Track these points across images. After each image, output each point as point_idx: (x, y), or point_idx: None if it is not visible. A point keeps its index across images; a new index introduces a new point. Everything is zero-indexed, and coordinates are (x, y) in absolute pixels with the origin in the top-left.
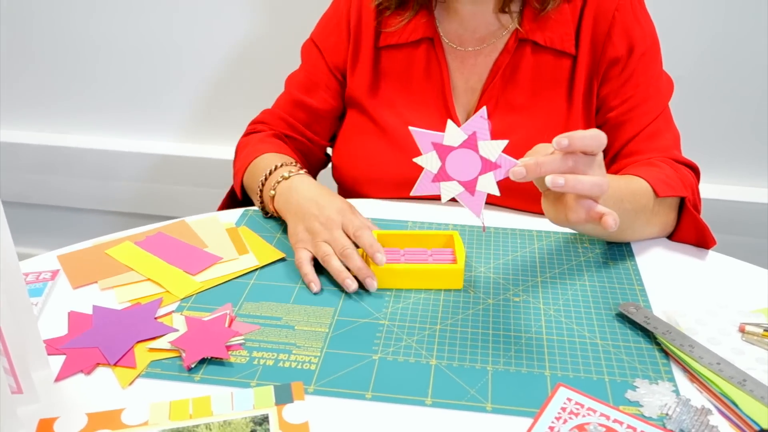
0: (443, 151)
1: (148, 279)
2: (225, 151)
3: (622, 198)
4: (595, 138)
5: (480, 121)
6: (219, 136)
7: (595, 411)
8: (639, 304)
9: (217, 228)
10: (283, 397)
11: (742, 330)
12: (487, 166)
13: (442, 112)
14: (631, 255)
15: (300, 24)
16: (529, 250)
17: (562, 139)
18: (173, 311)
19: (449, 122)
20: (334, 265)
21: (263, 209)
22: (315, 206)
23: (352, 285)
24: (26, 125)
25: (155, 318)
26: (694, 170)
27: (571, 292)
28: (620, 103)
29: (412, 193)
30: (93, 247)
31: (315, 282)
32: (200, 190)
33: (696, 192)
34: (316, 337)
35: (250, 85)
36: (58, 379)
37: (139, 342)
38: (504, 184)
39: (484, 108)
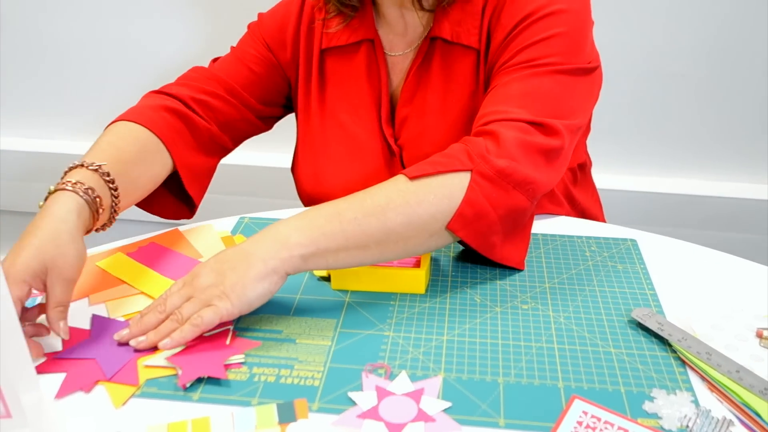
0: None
1: (142, 292)
2: None
3: (339, 213)
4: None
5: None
6: None
7: (612, 424)
8: (651, 310)
9: (211, 237)
10: (287, 415)
11: (759, 335)
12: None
13: (374, 117)
14: (640, 258)
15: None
16: (535, 255)
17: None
18: None
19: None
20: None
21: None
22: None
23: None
24: (11, 131)
25: None
26: (538, 125)
27: (581, 298)
28: (494, 70)
29: (333, 423)
30: None
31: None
32: None
33: (491, 160)
34: (319, 351)
35: None
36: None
37: (138, 356)
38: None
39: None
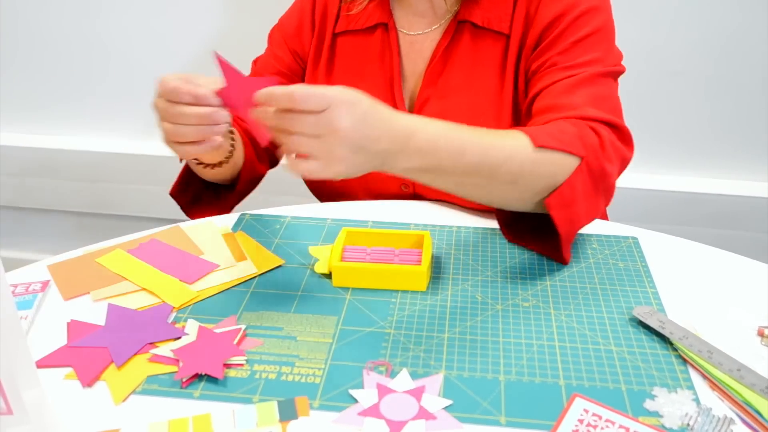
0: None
1: (143, 289)
2: None
3: (464, 150)
4: (285, 95)
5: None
6: None
7: (614, 423)
8: (653, 308)
9: (213, 233)
10: (288, 413)
11: (761, 334)
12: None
13: (388, 98)
14: (642, 256)
15: (269, 20)
16: (536, 253)
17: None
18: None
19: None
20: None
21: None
22: None
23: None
24: (12, 127)
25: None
26: (619, 130)
27: (582, 296)
28: (541, 63)
29: (334, 421)
30: (84, 255)
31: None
32: None
33: (601, 157)
34: (320, 348)
35: None
36: (84, 386)
37: (149, 344)
38: None
39: None
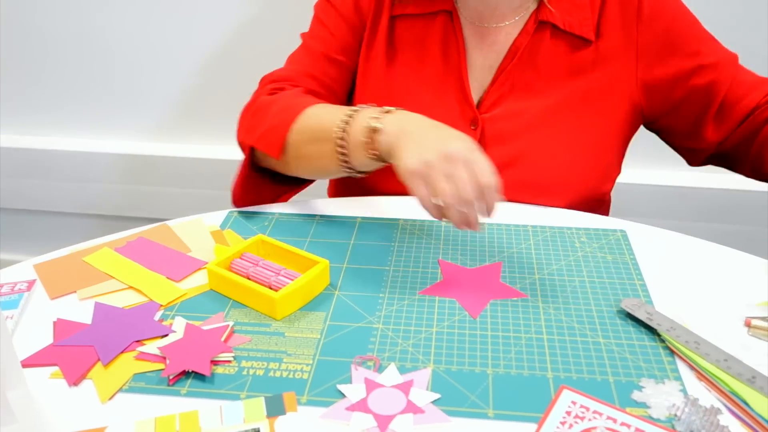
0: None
1: (130, 287)
2: (207, 150)
3: None
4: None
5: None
6: (199, 135)
7: (601, 414)
8: (641, 300)
9: (201, 231)
10: (275, 409)
11: (747, 324)
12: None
13: (456, 89)
14: (630, 248)
15: (278, 20)
16: (525, 246)
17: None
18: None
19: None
20: (453, 216)
21: (344, 163)
22: (439, 133)
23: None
24: (10, 129)
25: (155, 319)
26: None
27: (570, 289)
28: (693, 69)
29: (321, 416)
30: (71, 254)
31: (472, 222)
32: (184, 191)
33: None
34: (308, 344)
35: (231, 81)
36: (71, 385)
37: (135, 342)
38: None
39: None
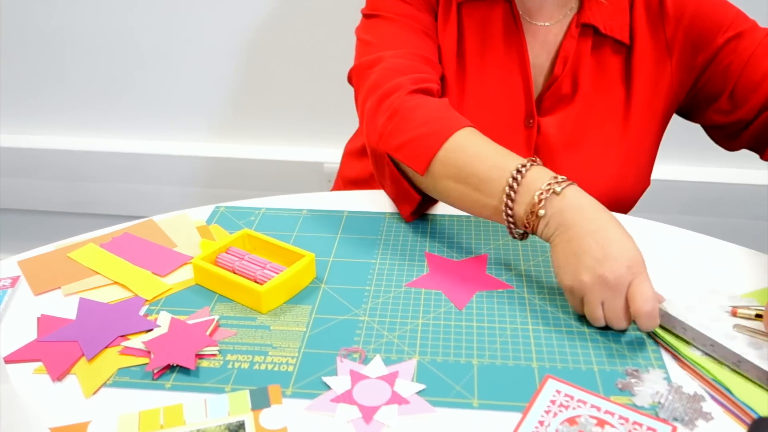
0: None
1: (115, 282)
2: (195, 147)
3: None
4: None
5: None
6: (189, 132)
7: (585, 402)
8: None
9: (186, 226)
10: (260, 401)
11: (734, 314)
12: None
13: (520, 83)
14: None
15: (290, 23)
16: (511, 238)
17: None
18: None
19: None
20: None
21: (508, 216)
22: (599, 248)
23: None
24: (11, 129)
25: (140, 314)
26: None
27: (556, 281)
28: (726, 41)
29: (306, 408)
30: (56, 251)
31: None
32: (171, 188)
33: None
34: (293, 337)
35: (229, 80)
36: (54, 380)
37: (120, 337)
38: None
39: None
